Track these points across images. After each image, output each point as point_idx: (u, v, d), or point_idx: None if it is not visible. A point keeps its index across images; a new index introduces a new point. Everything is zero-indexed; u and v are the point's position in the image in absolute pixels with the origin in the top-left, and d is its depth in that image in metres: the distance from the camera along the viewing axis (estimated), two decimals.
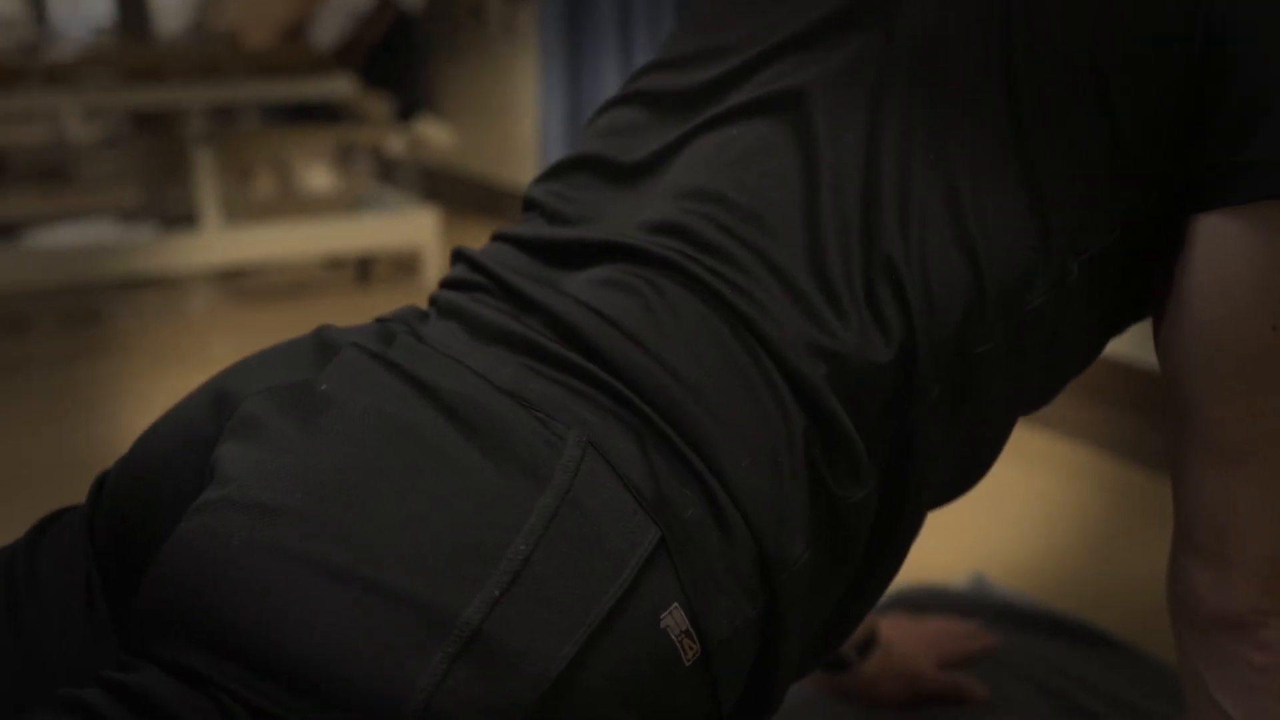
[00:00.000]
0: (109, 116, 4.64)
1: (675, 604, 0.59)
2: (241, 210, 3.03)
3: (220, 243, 2.88)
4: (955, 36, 0.72)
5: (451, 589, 0.54)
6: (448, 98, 3.75)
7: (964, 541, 1.55)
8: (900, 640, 1.16)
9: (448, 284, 0.75)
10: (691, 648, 0.59)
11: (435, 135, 3.36)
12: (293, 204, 3.20)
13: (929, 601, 1.31)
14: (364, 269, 3.21)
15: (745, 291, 0.66)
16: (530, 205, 0.79)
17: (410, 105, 3.19)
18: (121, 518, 0.68)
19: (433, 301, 0.73)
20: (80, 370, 2.46)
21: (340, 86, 3.00)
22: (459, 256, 0.77)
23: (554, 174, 0.80)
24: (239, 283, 3.19)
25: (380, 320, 0.72)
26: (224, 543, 0.57)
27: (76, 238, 2.92)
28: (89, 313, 2.95)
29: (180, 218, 3.09)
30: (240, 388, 0.66)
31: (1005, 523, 1.62)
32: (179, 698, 0.55)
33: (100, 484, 0.72)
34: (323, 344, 0.69)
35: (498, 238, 0.77)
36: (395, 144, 3.30)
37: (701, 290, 0.67)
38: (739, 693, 0.64)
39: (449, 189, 3.86)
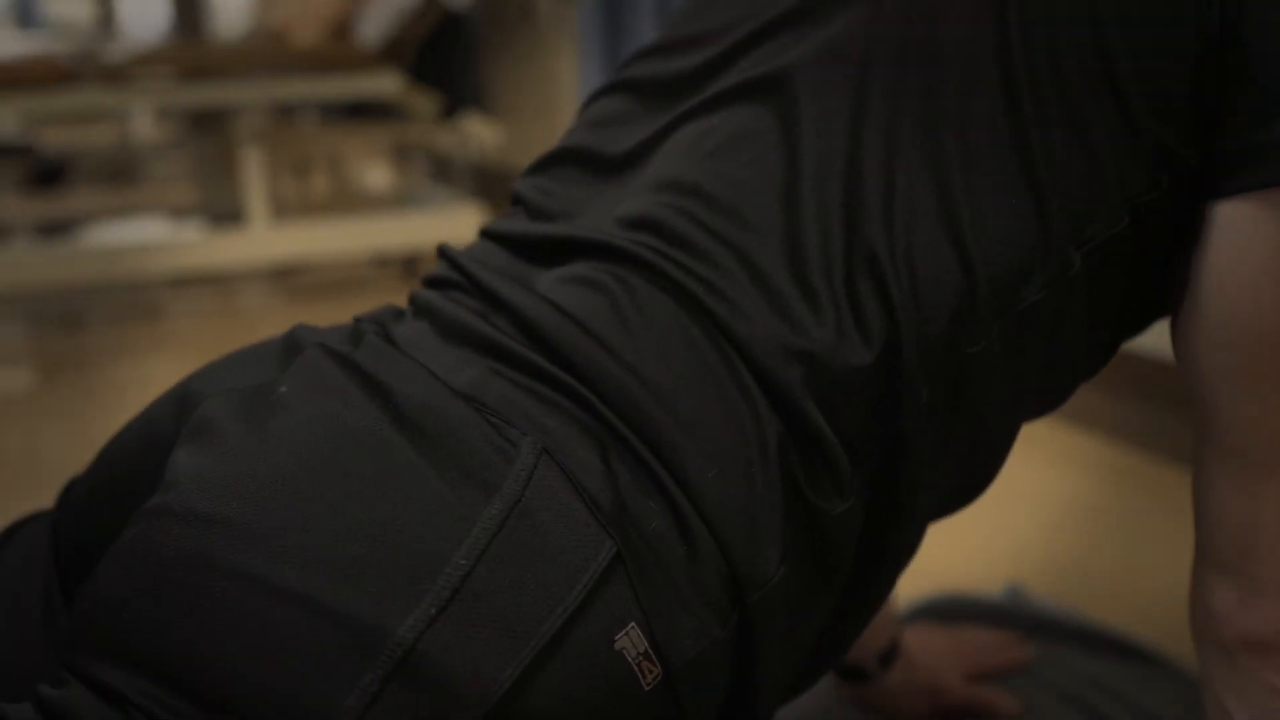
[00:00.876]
0: (176, 118, 4.74)
1: (632, 624, 0.56)
2: (292, 208, 3.06)
3: (267, 240, 2.91)
4: (947, 11, 0.69)
5: (386, 606, 0.52)
6: (498, 96, 3.78)
7: (997, 546, 1.50)
8: (924, 651, 1.12)
9: (427, 282, 0.74)
10: (652, 670, 0.56)
11: (482, 132, 3.38)
12: (342, 201, 3.22)
13: (959, 611, 1.27)
14: (410, 266, 3.22)
15: (718, 290, 0.64)
16: (516, 200, 0.78)
17: (458, 103, 3.21)
18: (85, 522, 0.67)
19: (411, 300, 0.72)
20: (132, 367, 2.50)
21: (387, 84, 3.02)
22: (442, 254, 0.75)
23: (540, 168, 0.78)
24: (290, 280, 3.23)
25: (356, 319, 0.71)
26: (156, 553, 0.56)
27: (126, 235, 2.97)
28: (142, 309, 3.01)
29: (231, 215, 3.13)
30: (203, 389, 0.66)
31: (1042, 527, 1.58)
32: (98, 717, 0.53)
33: (69, 488, 0.70)
34: (292, 344, 0.68)
35: (483, 234, 0.76)
36: (443, 141, 3.32)
37: (672, 289, 0.65)
38: (715, 716, 0.62)
39: (500, 186, 3.88)
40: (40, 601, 0.67)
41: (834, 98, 0.69)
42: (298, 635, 0.52)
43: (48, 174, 4.11)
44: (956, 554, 1.47)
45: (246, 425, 0.61)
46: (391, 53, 2.99)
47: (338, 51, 2.96)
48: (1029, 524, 1.59)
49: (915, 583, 1.32)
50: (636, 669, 0.56)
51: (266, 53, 3.00)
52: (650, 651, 0.56)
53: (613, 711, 0.56)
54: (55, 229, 3.22)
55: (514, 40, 3.72)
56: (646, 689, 0.57)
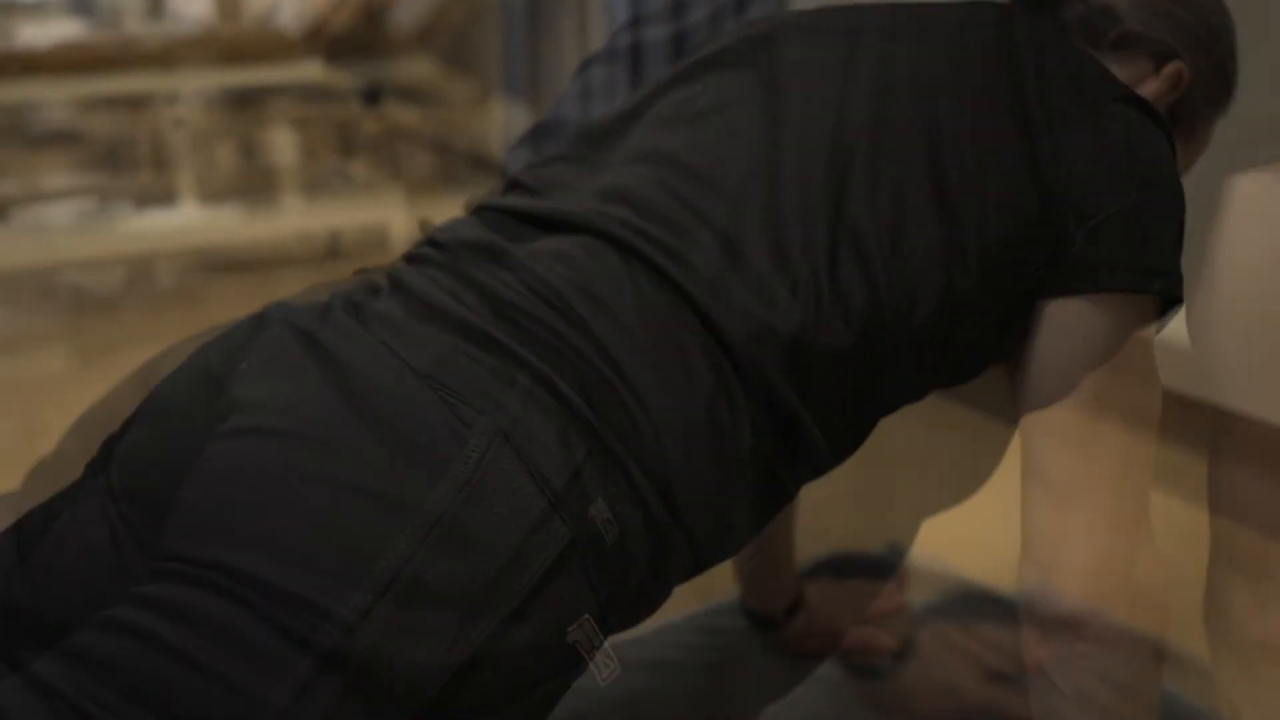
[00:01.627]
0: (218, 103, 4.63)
1: (586, 616, 0.58)
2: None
3: (298, 221, 2.90)
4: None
5: (325, 595, 0.57)
6: (540, 76, 3.74)
7: (884, 511, 1.69)
8: (822, 602, 1.30)
9: (407, 257, 0.76)
10: (608, 665, 0.61)
11: (404, 115, 3.43)
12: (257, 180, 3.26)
13: (848, 566, 1.45)
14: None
15: (692, 267, 0.66)
16: (505, 176, 0.82)
17: (376, 88, 3.25)
18: (145, 464, 0.74)
19: (387, 275, 0.74)
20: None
21: (310, 70, 3.09)
22: (424, 230, 0.77)
23: (530, 140, 0.83)
24: (326, 265, 3.27)
25: (331, 294, 0.73)
26: (243, 465, 0.64)
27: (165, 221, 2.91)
28: (179, 293, 3.06)
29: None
30: (222, 357, 0.71)
31: (921, 491, 1.79)
32: (200, 598, 0.61)
33: (112, 443, 0.77)
34: (261, 319, 0.72)
35: (471, 209, 0.78)
36: (477, 125, 3.31)
37: (644, 265, 0.66)
38: (643, 571, 0.66)
39: None
40: (105, 534, 0.72)
41: (822, 58, 0.73)
42: (240, 640, 0.60)
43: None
44: (845, 519, 1.68)
45: (288, 370, 0.66)
46: (427, 37, 3.00)
47: (263, 40, 3.02)
48: (907, 489, 1.81)
49: (811, 545, 1.48)
50: (592, 662, 0.60)
51: (192, 42, 3.05)
52: (606, 646, 0.60)
53: (557, 692, 0.63)
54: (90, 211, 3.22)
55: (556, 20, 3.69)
56: (602, 683, 0.62)
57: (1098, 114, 0.82)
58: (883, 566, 1.47)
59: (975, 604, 1.39)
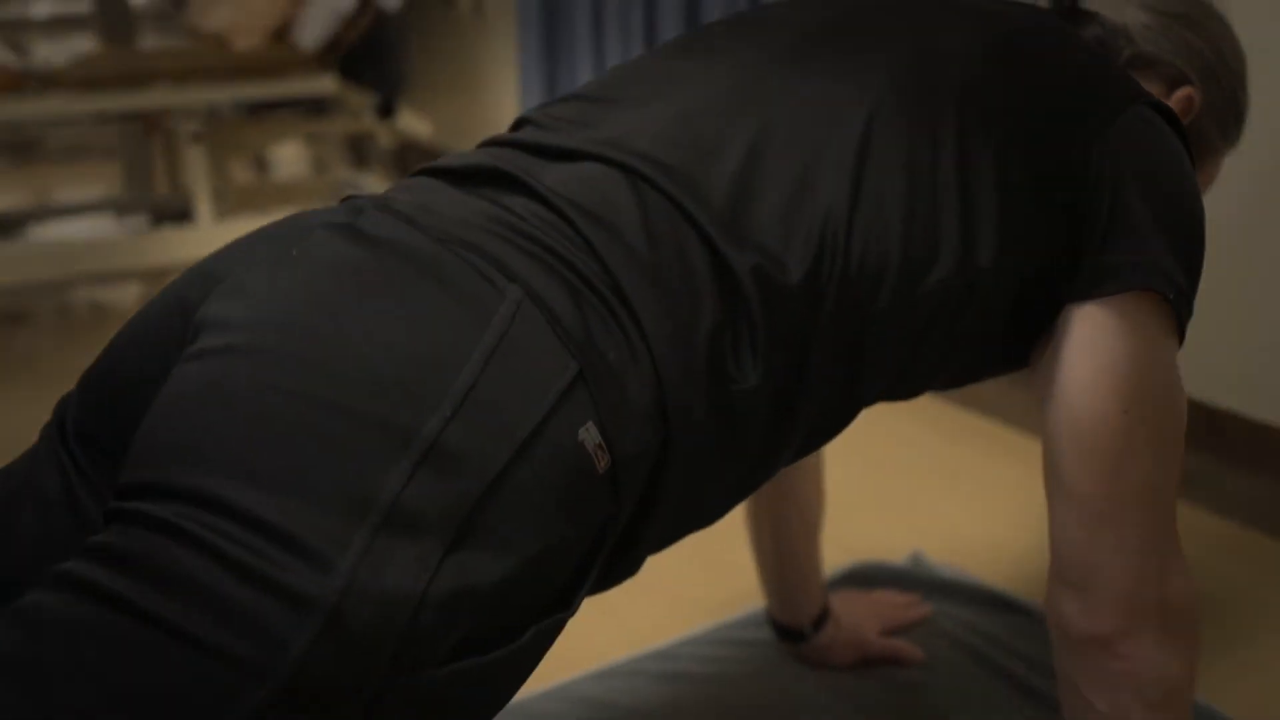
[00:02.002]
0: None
1: (590, 422, 0.68)
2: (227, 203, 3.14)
3: (214, 236, 2.97)
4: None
5: (412, 410, 0.63)
6: (424, 82, 3.80)
7: (908, 521, 1.70)
8: (848, 612, 1.31)
9: (424, 170, 0.82)
10: (603, 458, 0.69)
11: (417, 127, 3.47)
12: (272, 194, 3.30)
13: (873, 576, 1.46)
14: None
15: (703, 199, 0.75)
16: (520, 123, 0.87)
17: (390, 97, 3.30)
18: (109, 390, 0.74)
19: (405, 186, 0.80)
20: (84, 362, 2.54)
21: (324, 85, 3.12)
22: (437, 155, 0.86)
23: (544, 105, 0.88)
24: None
25: (352, 197, 0.79)
26: (213, 384, 0.65)
27: (71, 233, 2.99)
28: (88, 306, 3.04)
29: (172, 213, 3.19)
30: (225, 267, 0.73)
31: (944, 501, 1.77)
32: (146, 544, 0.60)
33: (86, 374, 0.77)
34: (296, 225, 0.75)
35: (482, 144, 0.84)
36: (381, 138, 3.40)
37: (655, 192, 0.75)
38: (634, 506, 0.74)
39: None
40: (61, 494, 0.73)
41: (855, 30, 0.82)
42: (338, 437, 0.62)
43: None
44: (869, 529, 1.69)
45: (269, 277, 0.69)
46: (326, 55, 3.08)
47: (277, 55, 3.06)
48: (931, 499, 1.79)
49: (837, 555, 1.51)
50: (593, 456, 0.68)
51: (206, 57, 3.08)
52: (603, 444, 0.68)
53: (573, 490, 0.67)
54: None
55: (437, 27, 3.72)
56: (600, 473, 0.68)
57: (1127, 113, 0.83)
58: (906, 577, 1.48)
59: (869, 572, 1.48)
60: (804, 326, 0.76)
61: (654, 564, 1.67)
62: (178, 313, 0.72)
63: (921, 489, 1.84)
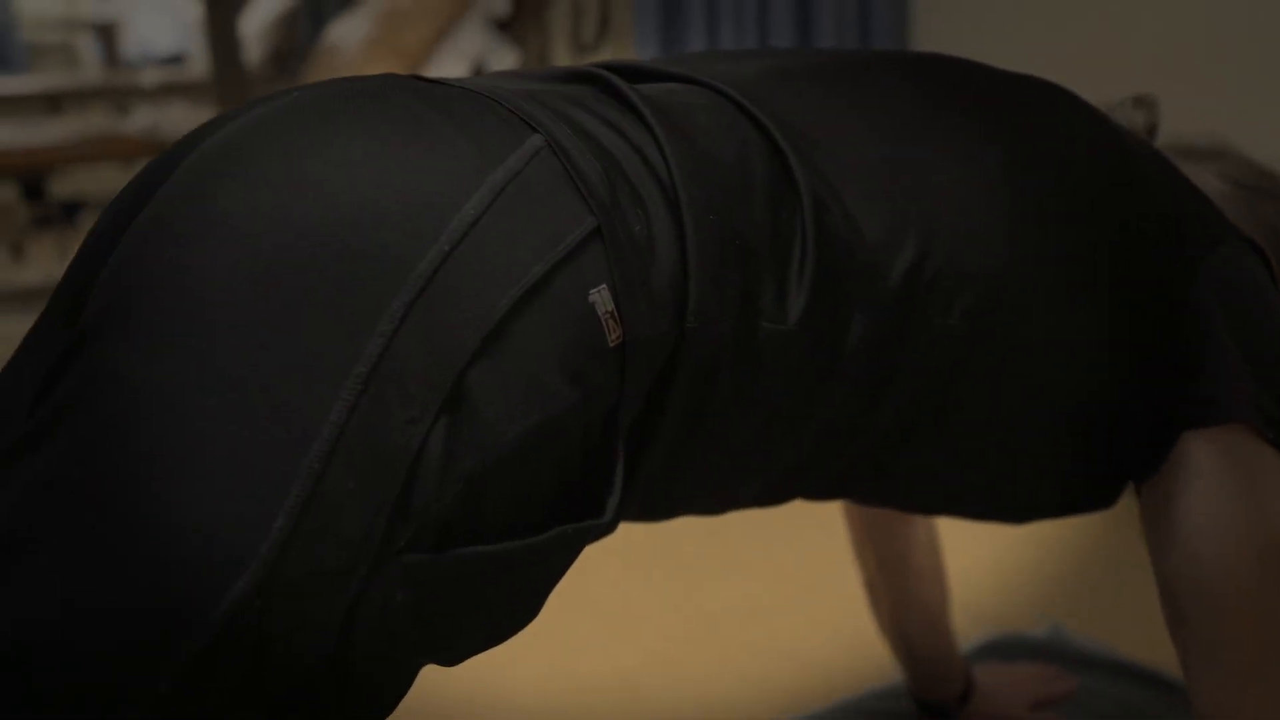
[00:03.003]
0: None
1: (604, 285, 0.62)
2: None
3: None
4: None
5: (409, 244, 0.58)
6: None
7: (1040, 590, 1.70)
8: (995, 687, 1.30)
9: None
10: (615, 330, 0.62)
11: None
12: None
13: (1013, 648, 1.46)
14: None
15: (796, 142, 0.72)
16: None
17: None
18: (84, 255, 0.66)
19: None
20: None
21: None
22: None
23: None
24: None
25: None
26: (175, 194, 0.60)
27: None
28: None
29: None
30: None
31: (1076, 569, 1.77)
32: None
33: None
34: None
35: None
36: None
37: (750, 119, 0.72)
38: (637, 411, 0.67)
39: None
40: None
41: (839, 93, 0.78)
42: (326, 282, 0.56)
43: None
44: (1002, 596, 1.69)
45: (268, 107, 0.64)
46: None
47: None
48: (1062, 567, 1.78)
49: (971, 627, 1.51)
50: (604, 324, 0.62)
51: None
52: (615, 314, 0.62)
53: (579, 358, 0.61)
54: None
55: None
56: (610, 345, 0.62)
57: (1228, 246, 0.84)
58: (1047, 649, 1.47)
59: (1009, 644, 1.46)
60: (858, 288, 0.72)
61: (788, 630, 1.68)
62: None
63: (1052, 556, 1.83)
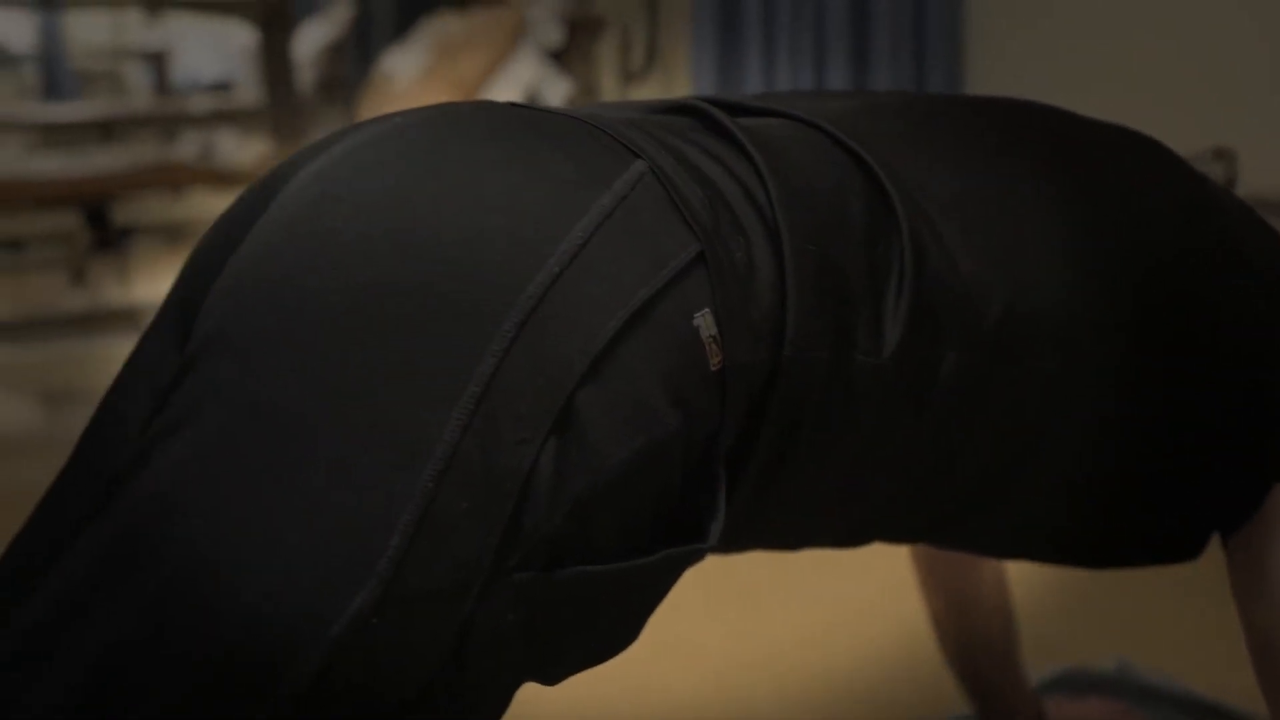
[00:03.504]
0: None
1: (708, 309, 0.62)
2: None
3: None
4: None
5: (519, 266, 0.58)
6: None
7: (1106, 623, 1.70)
8: None
9: None
10: (717, 355, 0.62)
11: None
12: None
13: (1081, 683, 1.46)
14: None
15: (885, 171, 0.72)
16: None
17: None
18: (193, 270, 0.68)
19: None
20: None
21: None
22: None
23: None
24: None
25: None
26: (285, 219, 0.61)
27: None
28: None
29: None
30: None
31: (1142, 605, 1.75)
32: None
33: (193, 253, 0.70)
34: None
35: None
36: None
37: (848, 153, 0.72)
38: (730, 443, 0.67)
39: None
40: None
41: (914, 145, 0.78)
42: (430, 304, 0.57)
43: None
44: (1066, 628, 1.67)
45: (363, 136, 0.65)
46: None
47: None
48: (1128, 600, 1.76)
49: (1038, 660, 1.46)
50: (707, 348, 0.62)
51: None
52: (718, 338, 0.62)
53: (683, 382, 0.61)
54: None
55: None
56: (712, 370, 0.62)
57: None
58: (1115, 683, 1.46)
59: (1077, 678, 1.44)
60: (953, 324, 0.71)
61: (849, 660, 1.66)
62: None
63: (1118, 589, 1.82)
